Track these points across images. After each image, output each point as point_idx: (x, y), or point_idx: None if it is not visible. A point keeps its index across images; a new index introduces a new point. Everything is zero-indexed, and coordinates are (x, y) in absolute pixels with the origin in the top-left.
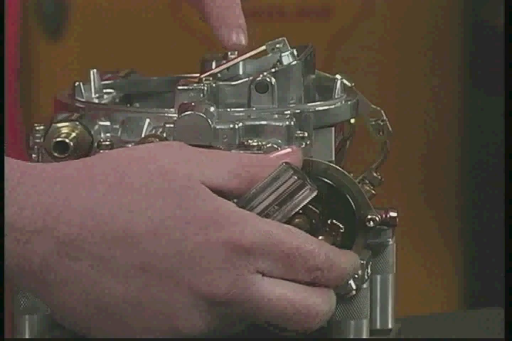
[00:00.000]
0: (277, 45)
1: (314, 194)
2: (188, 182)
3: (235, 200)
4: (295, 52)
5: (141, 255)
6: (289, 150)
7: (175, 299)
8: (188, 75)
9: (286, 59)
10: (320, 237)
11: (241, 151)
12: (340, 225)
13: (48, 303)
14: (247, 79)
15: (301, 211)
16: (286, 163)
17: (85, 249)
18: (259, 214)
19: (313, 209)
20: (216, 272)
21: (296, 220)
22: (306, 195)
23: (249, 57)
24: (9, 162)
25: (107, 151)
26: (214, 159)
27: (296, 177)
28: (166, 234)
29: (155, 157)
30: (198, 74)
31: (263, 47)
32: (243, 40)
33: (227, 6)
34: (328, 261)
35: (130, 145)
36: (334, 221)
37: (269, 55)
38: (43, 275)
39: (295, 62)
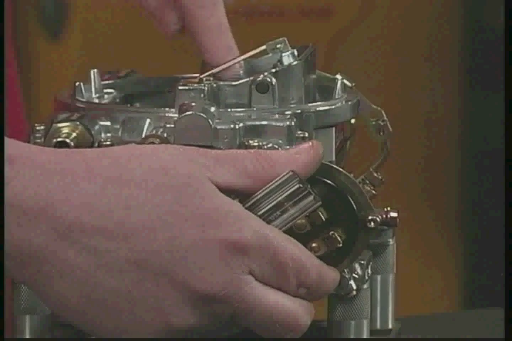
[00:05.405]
0: (278, 45)
1: (318, 204)
2: (188, 180)
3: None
4: (295, 53)
5: (136, 250)
6: (305, 145)
7: (167, 294)
8: (188, 75)
9: (287, 59)
10: (313, 244)
11: None
12: (339, 239)
13: (42, 294)
14: (247, 79)
15: (307, 213)
16: (292, 171)
17: (81, 242)
18: (260, 219)
19: (319, 214)
20: (210, 270)
21: (299, 221)
22: (310, 205)
23: (249, 57)
24: (10, 147)
25: (109, 147)
26: (221, 159)
27: (301, 186)
28: (162, 230)
29: (157, 154)
30: (198, 74)
31: (263, 47)
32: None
33: (217, 32)
34: (317, 283)
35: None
36: (336, 234)
37: (270, 55)
38: (38, 266)
39: (296, 63)
